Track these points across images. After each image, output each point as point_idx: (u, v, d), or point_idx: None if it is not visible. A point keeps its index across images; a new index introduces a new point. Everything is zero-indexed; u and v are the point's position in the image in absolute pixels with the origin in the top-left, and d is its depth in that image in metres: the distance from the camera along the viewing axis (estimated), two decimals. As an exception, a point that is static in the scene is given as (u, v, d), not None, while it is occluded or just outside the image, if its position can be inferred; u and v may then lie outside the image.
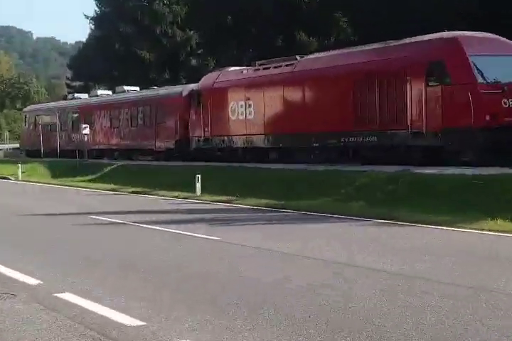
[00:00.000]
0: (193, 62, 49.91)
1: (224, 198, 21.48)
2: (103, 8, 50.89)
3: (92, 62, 51.21)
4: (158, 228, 14.69)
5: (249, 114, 30.53)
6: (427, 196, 17.23)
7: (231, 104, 31.60)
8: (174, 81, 45.20)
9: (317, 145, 27.48)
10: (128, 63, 46.53)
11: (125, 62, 46.75)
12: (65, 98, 52.82)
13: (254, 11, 41.04)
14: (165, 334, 6.34)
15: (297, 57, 29.71)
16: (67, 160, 40.64)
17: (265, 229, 14.96)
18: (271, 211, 18.23)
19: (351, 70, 25.89)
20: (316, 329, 6.39)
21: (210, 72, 37.83)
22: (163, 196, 23.89)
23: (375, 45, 26.43)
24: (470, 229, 13.42)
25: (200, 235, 13.32)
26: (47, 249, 12.08)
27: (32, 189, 30.07)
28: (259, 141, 30.23)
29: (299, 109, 28.19)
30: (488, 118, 21.85)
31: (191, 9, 46.63)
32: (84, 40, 67.29)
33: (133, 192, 25.57)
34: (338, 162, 25.34)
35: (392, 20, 34.45)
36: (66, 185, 30.80)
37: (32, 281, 8.88)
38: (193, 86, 35.87)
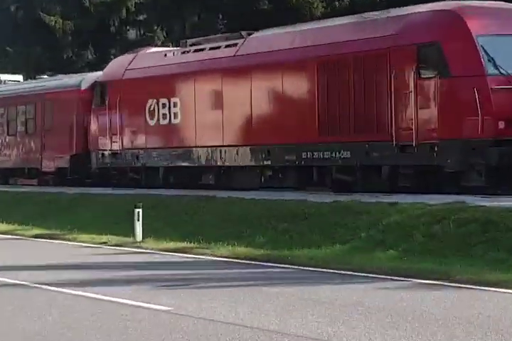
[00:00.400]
0: (131, 33, 50.06)
1: (178, 245, 21.48)
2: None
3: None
4: (77, 293, 14.58)
5: (175, 117, 31.33)
6: (493, 243, 17.17)
7: (149, 103, 32.30)
8: (101, 63, 44.99)
9: (268, 163, 28.25)
10: (29, 35, 46.61)
11: (24, 34, 46.82)
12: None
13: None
14: None
15: (243, 34, 30.29)
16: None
17: (242, 294, 14.62)
18: (252, 266, 18.21)
19: (314, 55, 26.71)
20: None
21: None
22: (83, 242, 23.85)
23: (348, 19, 27.63)
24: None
25: (142, 304, 13.27)
26: None
27: None
28: (187, 157, 30.73)
29: (242, 110, 28.87)
30: (502, 125, 22.75)
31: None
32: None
33: (36, 236, 25.45)
34: (298, 188, 26.78)
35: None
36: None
37: None
38: (98, 75, 36.43)
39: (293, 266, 17.55)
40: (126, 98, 32.89)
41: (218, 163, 29.43)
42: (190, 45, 32.19)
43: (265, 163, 28.13)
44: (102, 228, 24.99)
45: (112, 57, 43.46)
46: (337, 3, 39.57)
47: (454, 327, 11.02)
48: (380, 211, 20.59)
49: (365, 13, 26.81)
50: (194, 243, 21.50)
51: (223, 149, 29.07)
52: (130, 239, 22.89)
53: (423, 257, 16.79)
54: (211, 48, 30.70)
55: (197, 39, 32.85)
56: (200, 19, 46.82)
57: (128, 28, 50.39)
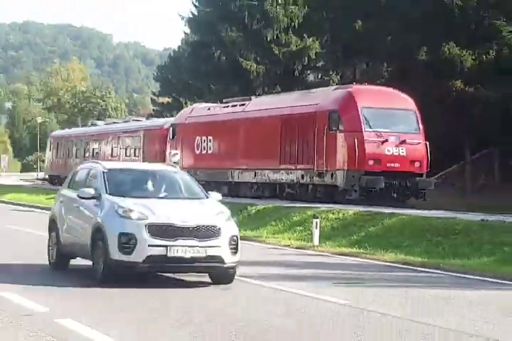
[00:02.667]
0: (311, 77, 50.08)
1: (349, 250, 21.21)
2: (202, 9, 51.60)
3: (184, 74, 52.12)
4: (270, 285, 14.49)
5: (210, 149, 38.93)
6: None
7: (196, 139, 39.60)
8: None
9: (254, 181, 35.74)
10: (229, 75, 47.04)
11: (226, 75, 47.28)
12: (148, 117, 57.31)
13: (394, 12, 40.88)
14: None
15: (252, 97, 38.89)
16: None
17: (405, 293, 14.33)
18: (411, 270, 17.76)
19: (274, 116, 34.79)
20: None
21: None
22: (270, 243, 23.81)
23: (293, 95, 36.56)
24: None
25: (322, 296, 13.07)
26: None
27: None
28: (219, 175, 38.06)
29: (243, 147, 36.81)
30: (371, 163, 29.89)
31: (312, 10, 46.84)
32: (175, 46, 68.53)
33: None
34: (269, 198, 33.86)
35: None
36: None
37: None
38: (173, 119, 45.03)
39: (446, 273, 17.03)
40: (185, 135, 40.60)
41: (230, 180, 37.32)
42: (223, 103, 40.72)
43: (252, 179, 35.72)
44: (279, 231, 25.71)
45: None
46: (484, 56, 38.48)
47: None
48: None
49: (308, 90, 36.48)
50: (361, 249, 21.24)
51: (234, 170, 36.91)
52: (309, 243, 22.70)
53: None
54: (232, 106, 38.81)
55: (227, 99, 40.79)
56: (368, 66, 46.62)
57: (308, 72, 50.52)
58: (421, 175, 30.89)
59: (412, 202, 31.49)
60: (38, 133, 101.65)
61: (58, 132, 70.39)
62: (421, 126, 31.19)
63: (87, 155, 55.38)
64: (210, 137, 38.77)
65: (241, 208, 29.91)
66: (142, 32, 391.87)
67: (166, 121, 46.10)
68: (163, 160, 40.88)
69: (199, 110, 41.66)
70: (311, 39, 47.32)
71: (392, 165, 29.99)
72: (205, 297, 13.44)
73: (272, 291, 14.02)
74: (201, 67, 48.77)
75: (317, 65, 49.70)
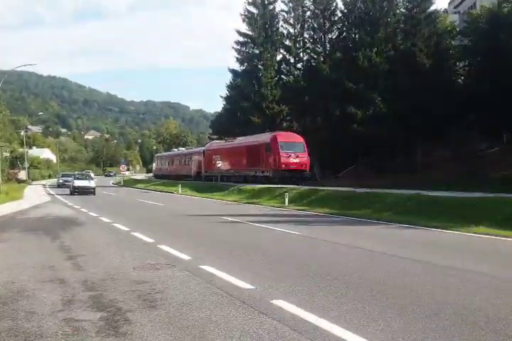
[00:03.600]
0: (284, 124, 49.58)
1: (303, 207, 20.95)
2: (231, 92, 51.38)
3: (224, 125, 51.53)
4: (261, 225, 14.13)
5: (220, 162, 40.88)
6: (431, 210, 16.27)
7: (214, 157, 42.00)
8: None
9: (237, 174, 37.26)
10: (244, 125, 46.68)
11: (242, 124, 46.89)
12: (197, 146, 62.51)
13: (322, 94, 40.69)
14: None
15: (237, 138, 40.22)
16: (203, 182, 41.01)
17: (333, 227, 14.03)
18: (332, 216, 17.42)
19: (245, 145, 36.91)
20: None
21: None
22: (263, 205, 23.66)
23: (253, 136, 37.56)
24: (456, 231, 12.55)
25: (289, 231, 12.73)
26: (196, 238, 11.83)
27: (187, 199, 30.09)
28: (225, 173, 39.57)
29: (229, 159, 39.12)
30: (284, 166, 32.16)
31: (282, 93, 46.67)
32: (219, 110, 68.15)
33: (246, 203, 25.44)
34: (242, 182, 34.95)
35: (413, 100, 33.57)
36: (207, 197, 30.45)
37: (184, 257, 8.77)
38: (205, 147, 47.02)
39: (348, 217, 16.49)
40: (208, 155, 43.53)
41: (228, 175, 38.72)
42: (225, 139, 42.77)
43: (236, 174, 37.38)
44: (270, 199, 25.02)
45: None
46: (367, 112, 38.23)
47: (419, 245, 10.34)
48: (384, 195, 19.71)
49: (258, 134, 37.75)
50: (309, 207, 20.60)
51: (227, 171, 39.01)
52: (283, 205, 22.46)
53: (403, 215, 15.99)
54: (227, 141, 41.53)
55: (227, 138, 42.44)
56: (309, 120, 46.28)
57: (283, 122, 50.19)
58: (305, 171, 33.13)
59: (330, 183, 31.88)
60: (153, 154, 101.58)
61: (158, 154, 71.77)
62: (305, 149, 33.41)
63: (168, 165, 58.02)
64: (218, 156, 41.28)
65: (252, 189, 29.72)
66: (204, 102, 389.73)
67: (201, 149, 48.57)
68: (199, 167, 45.36)
69: (214, 143, 44.69)
70: (283, 106, 46.99)
71: (293, 167, 32.36)
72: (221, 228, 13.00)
73: (261, 228, 13.64)
74: (231, 121, 48.44)
75: (287, 118, 49.26)
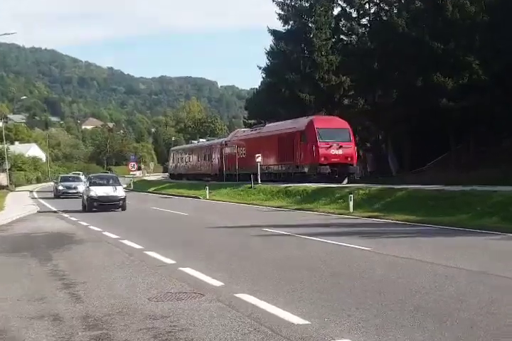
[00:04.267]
0: (346, 101, 49.34)
1: (373, 214, 20.79)
2: (273, 61, 51.44)
3: (263, 104, 51.84)
4: (320, 239, 14.03)
5: (245, 153, 42.51)
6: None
7: (237, 151, 43.73)
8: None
9: (266, 171, 38.02)
10: (291, 104, 46.67)
11: (289, 104, 46.93)
12: (219, 138, 66.17)
13: (398, 56, 40.15)
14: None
15: (266, 124, 42.08)
16: (236, 183, 41.04)
17: (413, 241, 13.86)
18: (411, 225, 17.26)
19: (275, 134, 38.52)
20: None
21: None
22: (317, 211, 23.51)
23: (285, 122, 38.91)
24: None
25: (352, 245, 12.67)
26: (231, 258, 11.80)
27: (218, 206, 29.87)
28: (248, 168, 40.06)
29: (257, 150, 38.72)
30: (323, 159, 33.31)
31: (344, 58, 46.36)
32: (257, 86, 68.37)
33: (297, 209, 25.34)
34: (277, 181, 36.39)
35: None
36: (245, 203, 30.33)
37: (215, 282, 8.81)
38: (225, 138, 49.66)
39: (435, 226, 16.53)
40: (230, 148, 45.90)
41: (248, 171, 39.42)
42: (252, 127, 46.56)
43: (266, 171, 38.07)
44: (328, 204, 24.99)
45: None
46: (460, 81, 37.45)
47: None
48: (485, 195, 19.37)
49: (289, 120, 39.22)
50: (381, 213, 20.67)
51: (251, 168, 38.61)
52: (347, 211, 22.38)
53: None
54: (253, 130, 44.17)
55: (256, 125, 46.38)
56: (382, 92, 45.85)
57: (344, 98, 49.81)
58: (351, 165, 34.02)
59: (411, 179, 31.68)
60: (171, 147, 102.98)
61: (174, 148, 73.34)
62: (351, 137, 34.53)
63: (185, 161, 60.36)
64: (243, 148, 43.46)
65: (301, 190, 29.72)
66: (236, 78, 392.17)
67: (222, 140, 50.25)
68: (221, 163, 47.36)
69: (240, 133, 46.76)
70: (344, 77, 46.70)
71: (335, 160, 33.31)
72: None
73: (318, 242, 13.58)
74: (273, 99, 48.48)
75: (349, 93, 48.97)
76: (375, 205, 22.74)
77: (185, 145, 72.16)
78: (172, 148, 73.57)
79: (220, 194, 36.64)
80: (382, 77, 42.09)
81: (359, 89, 47.13)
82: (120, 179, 32.03)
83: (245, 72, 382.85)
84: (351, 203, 22.47)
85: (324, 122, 34.84)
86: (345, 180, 34.06)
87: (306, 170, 34.28)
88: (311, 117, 35.81)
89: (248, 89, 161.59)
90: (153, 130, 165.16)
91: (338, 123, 35.22)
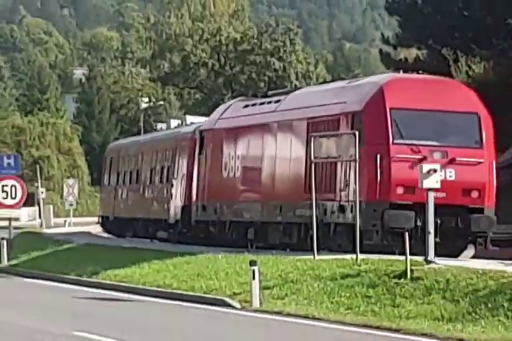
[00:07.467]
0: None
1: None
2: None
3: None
4: None
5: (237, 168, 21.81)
6: None
7: (220, 160, 22.01)
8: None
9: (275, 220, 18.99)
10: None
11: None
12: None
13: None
14: None
15: (290, 93, 20.80)
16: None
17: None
18: None
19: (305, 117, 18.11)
20: None
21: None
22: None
23: (326, 86, 20.24)
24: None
25: None
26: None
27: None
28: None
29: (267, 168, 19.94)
30: (400, 191, 15.12)
31: None
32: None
33: None
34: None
35: None
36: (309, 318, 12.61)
37: None
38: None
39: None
40: (209, 151, 23.41)
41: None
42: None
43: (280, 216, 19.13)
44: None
45: None
46: None
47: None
48: None
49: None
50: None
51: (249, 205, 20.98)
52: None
53: None
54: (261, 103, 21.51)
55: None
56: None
57: None
58: (480, 210, 15.65)
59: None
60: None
61: (112, 144, 39.74)
62: (485, 137, 15.86)
63: (127, 182, 29.33)
64: (233, 153, 25.18)
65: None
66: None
67: (194, 126, 24.53)
68: (188, 179, 24.59)
69: (237, 107, 23.21)
70: None
71: (434, 195, 13.51)
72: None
73: None
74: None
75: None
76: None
77: (134, 139, 35.37)
78: (109, 146, 36.72)
79: (293, 290, 14.92)
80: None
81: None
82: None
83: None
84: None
85: (412, 91, 16.24)
86: (469, 251, 16.33)
87: (360, 217, 15.32)
88: (378, 78, 17.76)
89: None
90: (83, 71, 76.06)
91: (451, 95, 16.42)
